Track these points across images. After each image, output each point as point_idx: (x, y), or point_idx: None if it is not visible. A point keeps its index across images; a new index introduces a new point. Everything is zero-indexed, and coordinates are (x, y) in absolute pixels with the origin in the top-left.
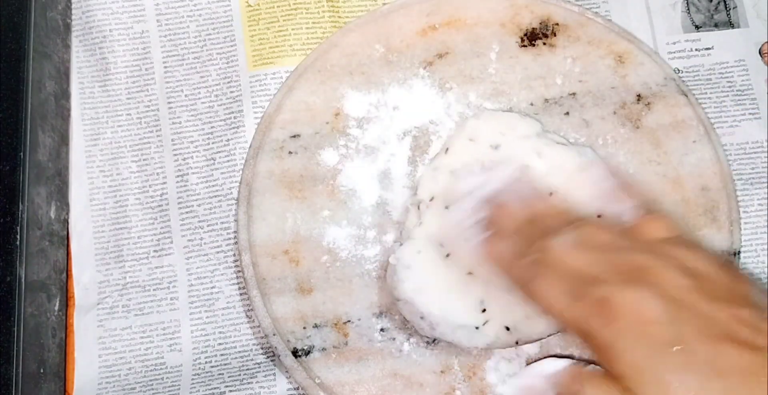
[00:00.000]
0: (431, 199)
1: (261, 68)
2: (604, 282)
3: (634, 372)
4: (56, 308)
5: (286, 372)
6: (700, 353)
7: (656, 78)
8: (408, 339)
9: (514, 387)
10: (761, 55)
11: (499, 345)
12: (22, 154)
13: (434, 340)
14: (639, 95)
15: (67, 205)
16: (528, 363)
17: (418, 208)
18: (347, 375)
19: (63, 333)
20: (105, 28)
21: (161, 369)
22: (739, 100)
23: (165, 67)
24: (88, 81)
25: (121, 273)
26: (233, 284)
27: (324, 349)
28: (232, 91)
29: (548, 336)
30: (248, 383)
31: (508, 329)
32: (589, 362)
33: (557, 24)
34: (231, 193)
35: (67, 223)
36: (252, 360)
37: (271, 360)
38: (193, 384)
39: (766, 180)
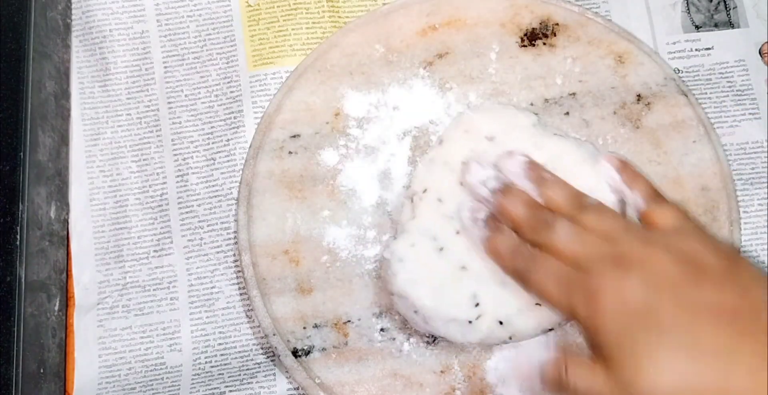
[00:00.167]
0: (424, 191)
1: (261, 68)
2: (597, 271)
3: (614, 352)
4: (56, 308)
5: (286, 372)
6: (677, 333)
7: (656, 78)
8: (408, 339)
9: (506, 369)
10: (761, 55)
11: (493, 339)
12: (22, 154)
13: (434, 340)
14: (639, 95)
15: (67, 205)
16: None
17: (412, 201)
18: (347, 375)
19: (63, 333)
20: (105, 28)
21: (161, 369)
22: (739, 100)
23: (165, 67)
24: (88, 81)
25: (121, 273)
26: (233, 284)
27: (324, 349)
28: (232, 91)
29: (542, 332)
30: (248, 383)
31: (501, 323)
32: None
33: (557, 24)
34: (231, 193)
35: (67, 223)
36: (252, 360)
37: (271, 360)
38: (193, 384)
39: (766, 180)
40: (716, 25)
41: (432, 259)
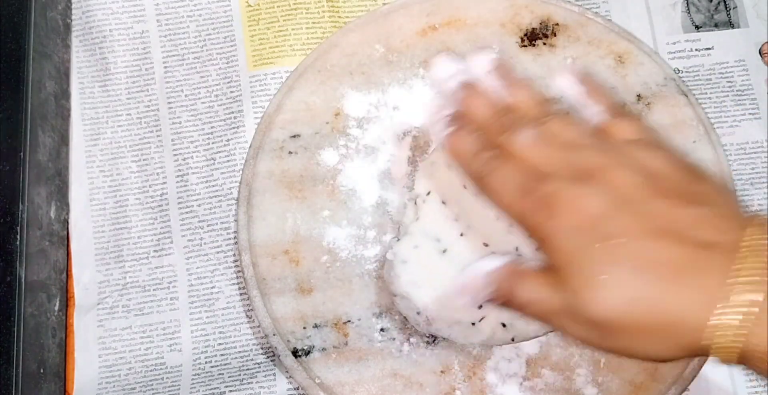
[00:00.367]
0: (428, 193)
1: (261, 68)
2: (554, 179)
3: (567, 263)
4: (56, 308)
5: (286, 372)
6: (632, 247)
7: (656, 78)
8: (408, 339)
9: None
10: (761, 55)
11: (495, 341)
12: (22, 154)
13: (434, 340)
14: (639, 95)
15: (67, 205)
16: (527, 362)
17: (415, 203)
18: (347, 375)
19: (63, 333)
20: (105, 28)
21: (161, 369)
22: (739, 100)
23: (165, 67)
24: (88, 81)
25: (121, 273)
26: (233, 284)
27: (324, 349)
28: (232, 91)
29: (544, 333)
30: (248, 383)
31: (504, 325)
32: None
33: (557, 24)
34: (231, 193)
35: (67, 223)
36: (252, 360)
37: (271, 360)
38: (193, 384)
39: (766, 180)
40: (716, 25)
41: (435, 261)
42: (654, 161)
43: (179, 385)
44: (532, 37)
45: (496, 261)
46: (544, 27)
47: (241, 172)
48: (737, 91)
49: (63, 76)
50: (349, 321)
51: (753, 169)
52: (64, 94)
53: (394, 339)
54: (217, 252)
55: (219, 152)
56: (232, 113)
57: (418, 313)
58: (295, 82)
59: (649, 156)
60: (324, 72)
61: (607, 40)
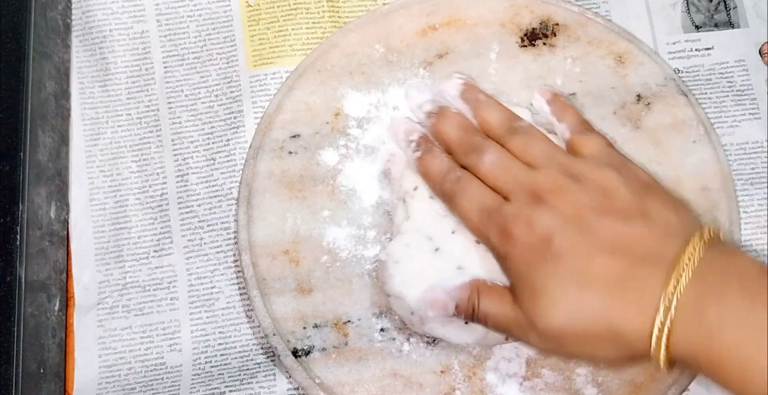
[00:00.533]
0: (415, 188)
1: (261, 68)
2: (512, 202)
3: (519, 280)
4: (56, 308)
5: (286, 372)
6: (577, 263)
7: (656, 78)
8: (408, 339)
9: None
10: (761, 55)
11: (490, 340)
12: (22, 154)
13: (434, 340)
14: (639, 95)
15: (67, 205)
16: (527, 362)
17: (404, 201)
18: (347, 375)
19: (63, 333)
20: (105, 28)
21: (161, 369)
22: (739, 100)
23: (165, 67)
24: (88, 81)
25: (121, 273)
26: (233, 284)
27: (324, 349)
28: (232, 91)
29: None
30: (248, 383)
31: None
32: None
33: (557, 24)
34: (231, 193)
35: (67, 223)
36: (252, 360)
37: (271, 360)
38: (193, 384)
39: (766, 180)
40: (716, 25)
41: (428, 260)
42: (606, 179)
43: (179, 385)
44: (532, 37)
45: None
46: (544, 27)
47: (241, 172)
48: (737, 91)
49: (63, 76)
50: (349, 321)
51: (753, 169)
52: (64, 94)
53: (394, 339)
54: (217, 252)
55: (219, 152)
56: (232, 113)
57: (412, 313)
58: (295, 82)
59: (603, 175)
60: (324, 72)
61: (607, 40)
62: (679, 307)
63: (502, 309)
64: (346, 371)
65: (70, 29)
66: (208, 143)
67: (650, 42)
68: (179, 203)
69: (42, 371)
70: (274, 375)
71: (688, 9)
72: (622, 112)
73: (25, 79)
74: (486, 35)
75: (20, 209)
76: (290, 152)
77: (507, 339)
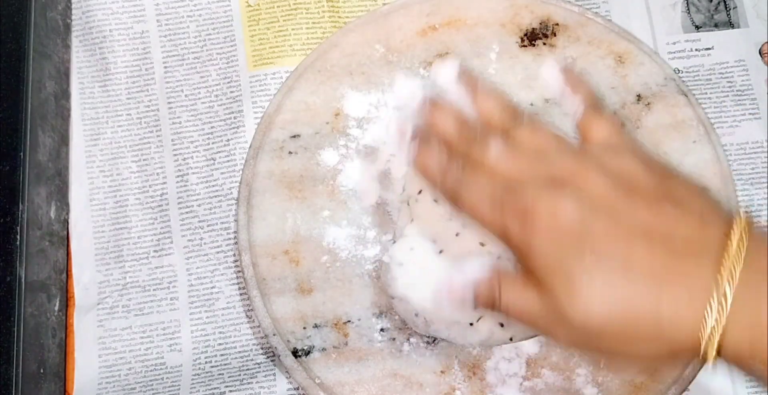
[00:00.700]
0: (419, 192)
1: (261, 68)
2: (528, 188)
3: (549, 271)
4: (56, 308)
5: (286, 372)
6: (611, 251)
7: (656, 78)
8: (408, 339)
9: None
10: (761, 55)
11: (494, 341)
12: (22, 154)
13: (434, 340)
14: (639, 95)
15: (67, 205)
16: (527, 362)
17: (408, 204)
18: (347, 375)
19: (63, 333)
20: (105, 28)
21: (161, 369)
22: (739, 100)
23: (165, 67)
24: (88, 81)
25: (121, 273)
26: (233, 284)
27: (324, 349)
28: (232, 91)
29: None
30: (248, 383)
31: (502, 325)
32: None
33: (557, 24)
34: (231, 193)
35: (67, 223)
36: (252, 360)
37: (271, 360)
38: (193, 384)
39: (766, 180)
40: (716, 25)
41: (432, 262)
42: (625, 163)
43: (179, 385)
44: (532, 37)
45: (478, 266)
46: (544, 27)
47: (241, 172)
48: (737, 91)
49: (63, 76)
50: (349, 321)
51: (753, 169)
52: (64, 94)
53: (394, 339)
54: (217, 252)
55: (219, 152)
56: (232, 113)
57: (416, 315)
58: (295, 83)
59: (620, 159)
60: (324, 72)
61: (607, 40)
62: (735, 301)
63: (528, 299)
64: (346, 371)
65: (70, 29)
66: (208, 143)
67: (650, 42)
68: (179, 203)
69: (42, 371)
70: (274, 375)
71: (688, 9)
72: (622, 112)
73: (25, 79)
74: (486, 35)
75: (20, 209)
76: (290, 152)
77: (511, 339)
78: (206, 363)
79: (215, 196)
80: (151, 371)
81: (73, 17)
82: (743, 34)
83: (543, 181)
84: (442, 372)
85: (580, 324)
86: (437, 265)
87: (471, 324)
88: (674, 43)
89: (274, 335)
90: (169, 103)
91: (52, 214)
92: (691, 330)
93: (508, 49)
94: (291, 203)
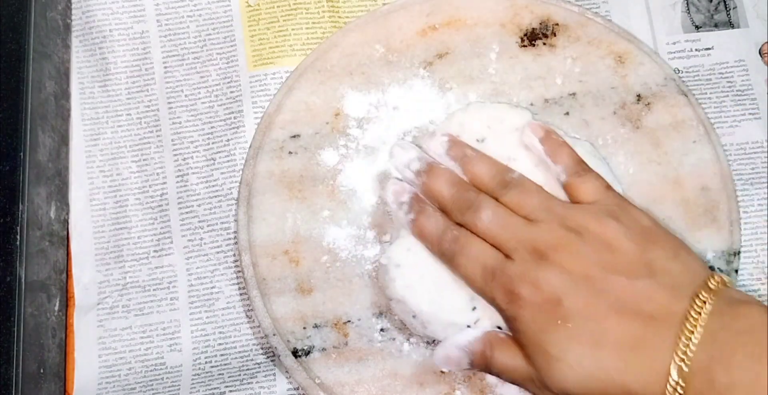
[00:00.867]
0: None
1: (261, 68)
2: (512, 263)
3: (531, 343)
4: (56, 308)
5: (286, 372)
6: (588, 325)
7: (656, 78)
8: (408, 339)
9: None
10: (761, 55)
11: None
12: (22, 154)
13: (434, 340)
14: (639, 95)
15: (67, 205)
16: None
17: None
18: (347, 375)
19: (63, 333)
20: (105, 28)
21: (161, 369)
22: (739, 100)
23: (165, 67)
24: (88, 81)
25: (121, 273)
26: (233, 284)
27: (324, 349)
28: (232, 92)
29: None
30: (248, 383)
31: (499, 328)
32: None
33: (557, 24)
34: (231, 193)
35: (67, 223)
36: (252, 360)
37: (271, 360)
38: (193, 384)
39: (766, 180)
40: (716, 25)
41: (429, 263)
42: (608, 231)
43: (179, 385)
44: (532, 38)
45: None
46: (544, 27)
47: (241, 172)
48: (737, 91)
49: (63, 76)
50: (349, 321)
51: (753, 169)
52: (64, 94)
53: (394, 339)
54: (217, 252)
55: (219, 152)
56: (232, 113)
57: (414, 317)
58: (295, 83)
59: (603, 227)
60: (324, 72)
61: (607, 40)
62: (691, 369)
63: (516, 364)
64: (346, 371)
65: (70, 29)
66: (208, 143)
67: (650, 42)
68: (179, 203)
69: (42, 371)
70: (274, 375)
71: (688, 9)
72: (622, 112)
73: (25, 79)
74: (486, 35)
75: (20, 209)
76: (290, 152)
77: None
78: (206, 363)
79: (215, 196)
80: (151, 371)
81: (73, 17)
82: (743, 34)
83: (529, 249)
84: (442, 372)
85: (562, 390)
86: (435, 266)
87: (468, 326)
88: (674, 43)
89: (274, 335)
90: (169, 103)
91: (52, 214)
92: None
93: (508, 49)
94: (291, 203)
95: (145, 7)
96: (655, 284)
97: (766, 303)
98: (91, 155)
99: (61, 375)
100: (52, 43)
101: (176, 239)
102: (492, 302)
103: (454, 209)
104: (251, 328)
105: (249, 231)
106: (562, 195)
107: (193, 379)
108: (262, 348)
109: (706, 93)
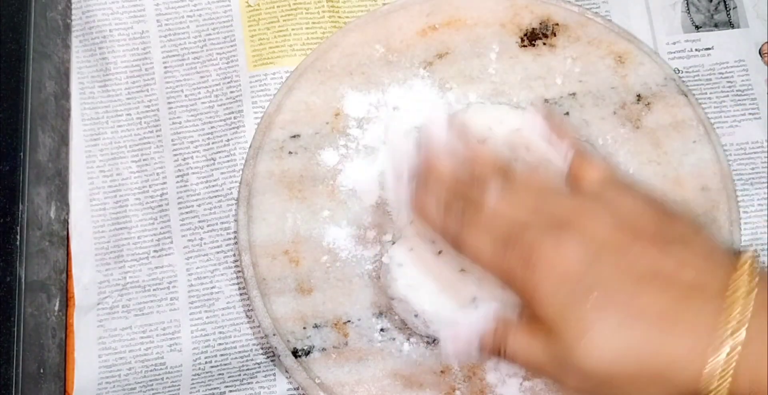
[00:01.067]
0: None
1: (261, 68)
2: (529, 230)
3: (555, 318)
4: (56, 308)
5: (286, 372)
6: (618, 296)
7: (656, 78)
8: (408, 339)
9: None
10: (761, 55)
11: None
12: (22, 154)
13: (434, 340)
14: (639, 95)
15: (67, 205)
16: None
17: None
18: (347, 375)
19: (63, 333)
20: (105, 28)
21: (161, 369)
22: (739, 100)
23: (165, 67)
24: (88, 81)
25: (121, 273)
26: (233, 284)
27: (324, 349)
28: (232, 92)
29: None
30: (248, 383)
31: None
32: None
33: (557, 24)
34: (231, 193)
35: (67, 223)
36: (252, 360)
37: (271, 360)
38: (193, 384)
39: (766, 180)
40: (716, 25)
41: (431, 263)
42: (626, 202)
43: (179, 385)
44: (532, 37)
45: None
46: (544, 27)
47: (241, 172)
48: (737, 91)
49: (63, 76)
50: (349, 321)
51: (753, 169)
52: (64, 94)
53: (394, 339)
54: (217, 252)
55: (219, 152)
56: (232, 113)
57: (416, 316)
58: (295, 83)
59: (621, 198)
60: (324, 72)
61: (607, 40)
62: (745, 344)
63: (533, 347)
64: (346, 371)
65: (70, 29)
66: (208, 143)
67: (650, 42)
68: (179, 203)
69: (42, 371)
70: (274, 375)
71: (688, 9)
72: (622, 112)
73: (25, 79)
74: (486, 35)
75: (20, 209)
76: (290, 152)
77: None
78: (206, 363)
79: (215, 196)
80: (151, 371)
81: (73, 17)
82: (743, 34)
83: (545, 222)
84: (442, 372)
85: (589, 368)
86: (437, 266)
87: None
88: (674, 43)
89: (274, 335)
90: (169, 103)
91: (52, 214)
92: (696, 374)
93: (508, 49)
94: (291, 203)
95: (145, 7)
96: (687, 253)
97: None
98: (91, 155)
99: (61, 375)
100: (52, 43)
101: (176, 239)
102: (506, 277)
103: (458, 185)
104: (251, 328)
105: (249, 231)
106: None
107: (193, 379)
108: (262, 348)
109: (706, 93)
